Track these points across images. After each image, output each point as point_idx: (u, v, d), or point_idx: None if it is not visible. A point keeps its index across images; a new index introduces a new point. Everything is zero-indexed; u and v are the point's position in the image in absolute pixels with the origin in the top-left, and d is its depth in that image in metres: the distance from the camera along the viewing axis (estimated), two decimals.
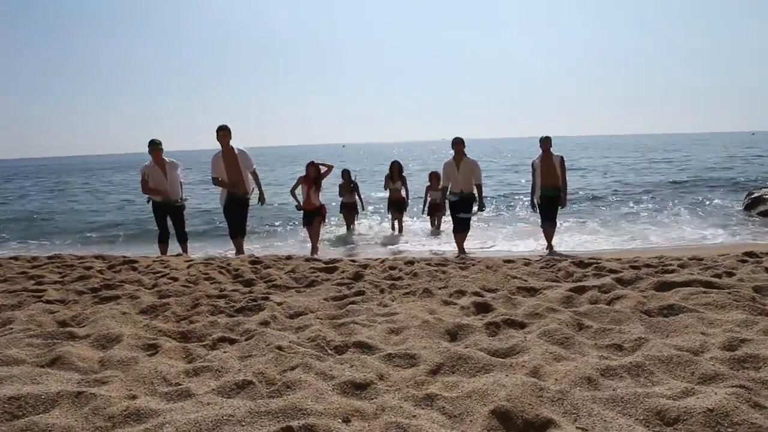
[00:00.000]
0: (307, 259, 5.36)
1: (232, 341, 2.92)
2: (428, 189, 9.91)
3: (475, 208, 7.75)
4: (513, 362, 2.41)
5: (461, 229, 7.74)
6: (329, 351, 2.68)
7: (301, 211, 8.15)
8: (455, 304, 3.51)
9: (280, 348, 2.63)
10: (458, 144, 7.68)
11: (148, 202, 7.49)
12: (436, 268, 4.70)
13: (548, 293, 3.68)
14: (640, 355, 2.42)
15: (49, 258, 5.76)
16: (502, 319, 3.06)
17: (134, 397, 2.17)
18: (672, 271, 4.27)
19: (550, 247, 7.99)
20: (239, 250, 7.29)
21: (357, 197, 10.16)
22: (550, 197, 7.80)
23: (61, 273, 4.97)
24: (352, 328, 2.98)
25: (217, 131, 7.06)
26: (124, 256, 5.65)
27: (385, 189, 9.97)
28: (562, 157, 7.86)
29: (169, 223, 7.43)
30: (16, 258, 5.82)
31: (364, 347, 2.68)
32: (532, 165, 8.00)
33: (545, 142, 7.89)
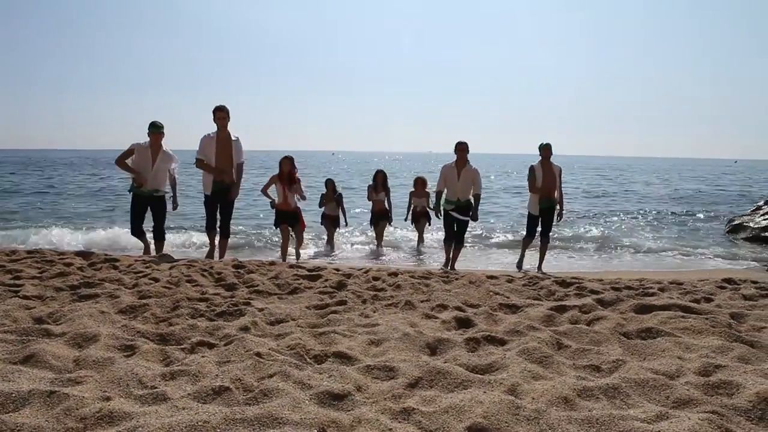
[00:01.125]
0: (291, 266, 5.34)
1: (211, 346, 2.90)
2: (412, 195, 9.26)
3: (467, 218, 7.10)
4: (491, 379, 2.42)
5: (459, 240, 7.15)
6: (308, 360, 2.67)
7: (274, 211, 7.44)
8: (437, 318, 3.52)
9: (259, 355, 2.62)
10: (462, 149, 6.98)
11: (130, 191, 6.68)
12: (419, 280, 4.71)
13: (529, 311, 3.70)
14: (617, 377, 2.44)
15: (29, 252, 5.68)
16: (483, 335, 3.08)
17: (108, 399, 2.14)
18: (652, 294, 4.33)
19: (540, 259, 7.46)
20: (212, 247, 6.70)
21: (340, 210, 9.31)
22: (546, 209, 7.27)
23: (40, 268, 4.90)
24: (332, 338, 2.97)
25: (215, 112, 6.37)
26: (106, 254, 5.59)
27: (369, 200, 9.28)
28: (560, 168, 7.38)
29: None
30: None
31: (344, 358, 2.67)
32: (531, 169, 7.32)
33: (546, 149, 7.26)
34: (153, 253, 6.60)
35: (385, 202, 9.08)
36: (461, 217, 6.99)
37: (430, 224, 9.33)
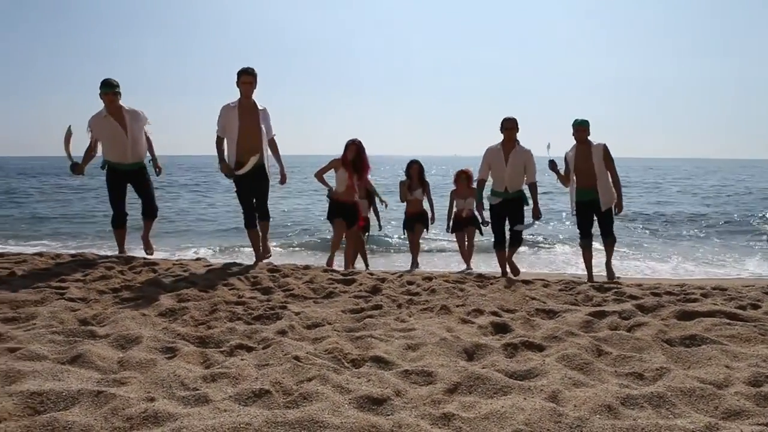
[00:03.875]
0: (325, 270, 5.37)
1: (249, 349, 2.93)
2: (454, 195, 7.05)
3: (528, 218, 5.93)
4: (531, 385, 2.39)
5: (514, 243, 5.99)
6: (346, 364, 2.68)
7: (330, 202, 6.33)
8: (473, 322, 3.49)
9: (297, 358, 2.64)
10: (510, 127, 5.73)
11: (103, 167, 5.68)
12: (453, 285, 4.68)
13: (567, 316, 3.64)
14: (662, 385, 2.38)
15: (72, 256, 5.85)
16: (521, 341, 3.04)
17: (152, 400, 2.19)
18: (694, 300, 4.20)
19: (610, 272, 5.95)
20: (255, 245, 5.75)
21: (373, 211, 7.14)
22: (587, 202, 5.78)
23: (84, 272, 5.04)
24: (369, 342, 2.97)
25: (239, 74, 5.26)
26: (145, 258, 5.72)
27: (402, 200, 7.17)
28: (605, 146, 5.71)
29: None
30: (40, 254, 5.92)
31: (381, 362, 2.67)
32: (565, 159, 5.90)
33: (580, 127, 5.72)
34: (128, 252, 6.04)
35: (424, 201, 7.13)
36: (524, 226, 5.89)
37: (482, 233, 7.07)
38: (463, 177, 6.96)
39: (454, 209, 7.06)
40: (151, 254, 6.17)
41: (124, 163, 5.56)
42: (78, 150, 5.61)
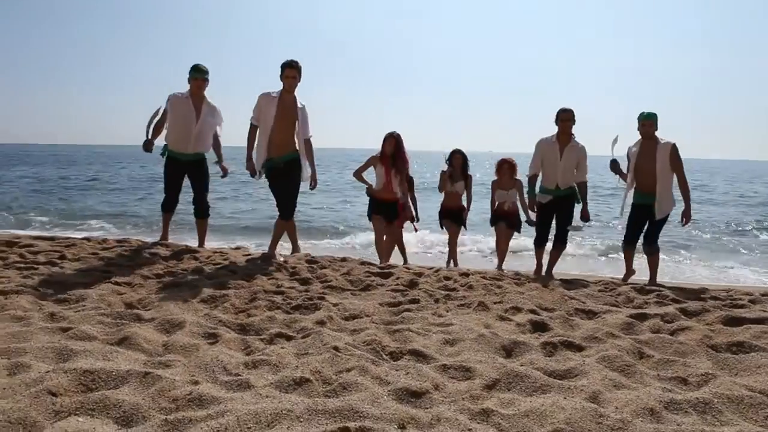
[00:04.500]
0: (362, 263, 5.40)
1: (288, 338, 2.99)
2: (495, 186, 6.48)
3: (577, 220, 5.56)
4: (571, 385, 2.36)
5: (561, 240, 5.66)
6: (384, 356, 2.70)
7: (370, 199, 6.22)
8: (511, 320, 3.46)
9: (336, 348, 2.67)
10: (567, 119, 5.35)
11: (162, 155, 5.59)
12: (491, 281, 4.65)
13: (607, 317, 3.58)
14: (707, 391, 2.32)
15: (118, 242, 6.05)
16: (560, 340, 3.00)
17: (197, 383, 2.25)
18: (742, 306, 4.07)
19: (651, 273, 5.42)
20: (292, 239, 5.66)
21: (411, 201, 6.45)
22: (644, 206, 5.25)
23: (129, 257, 5.21)
24: (407, 336, 2.99)
25: (283, 67, 5.08)
26: (187, 245, 5.86)
27: (441, 191, 6.65)
28: (673, 145, 5.11)
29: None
30: (88, 239, 6.14)
31: (419, 355, 2.68)
32: (627, 155, 5.38)
33: (646, 121, 5.17)
34: (167, 239, 5.96)
35: (463, 195, 6.64)
36: (571, 227, 5.54)
37: (519, 231, 6.49)
38: (505, 167, 6.37)
39: (497, 202, 6.48)
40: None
41: (184, 153, 5.48)
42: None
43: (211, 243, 6.81)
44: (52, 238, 6.14)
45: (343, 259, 5.56)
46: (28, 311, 3.24)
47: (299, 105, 5.22)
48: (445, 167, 6.66)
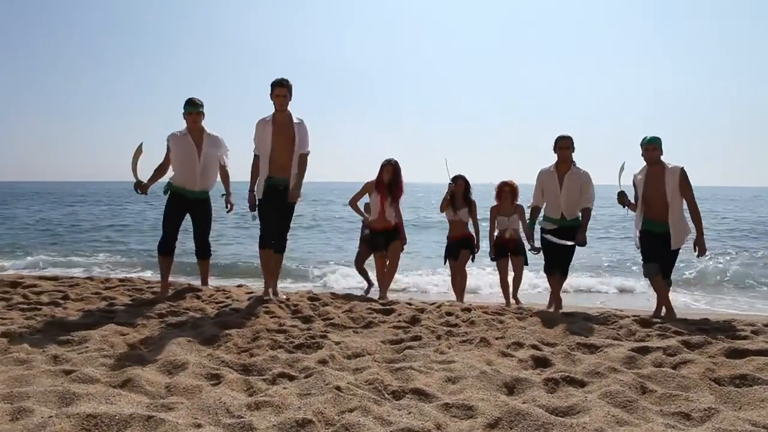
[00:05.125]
0: (364, 299, 5.41)
1: (291, 377, 2.99)
2: (495, 211, 6.17)
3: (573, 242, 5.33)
4: (573, 422, 2.35)
5: (562, 271, 5.51)
6: (387, 395, 2.70)
7: (367, 231, 6.19)
8: (513, 356, 3.47)
9: (338, 388, 2.67)
10: (565, 146, 5.22)
11: (165, 193, 5.35)
12: (493, 316, 4.65)
13: (609, 351, 3.57)
14: (710, 426, 2.32)
15: (121, 280, 6.08)
16: (562, 376, 3.00)
17: (199, 426, 2.26)
18: (744, 338, 4.06)
19: (666, 308, 5.13)
20: (266, 271, 5.32)
21: (471, 221, 6.32)
22: (656, 234, 4.97)
23: (131, 296, 5.23)
24: (409, 374, 2.99)
25: (272, 86, 4.94)
26: (189, 284, 5.88)
27: (442, 210, 6.37)
28: (682, 170, 4.88)
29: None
30: (91, 278, 6.18)
31: (421, 394, 2.68)
32: (634, 183, 5.18)
33: (649, 146, 4.95)
34: (169, 285, 5.50)
35: (468, 223, 6.30)
36: (561, 242, 5.25)
37: (527, 263, 6.21)
38: (506, 190, 6.02)
39: (497, 230, 6.16)
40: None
41: (190, 190, 5.23)
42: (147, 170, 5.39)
43: (213, 281, 6.82)
44: (55, 278, 6.18)
45: (346, 296, 5.57)
46: (31, 354, 3.26)
47: (296, 120, 5.08)
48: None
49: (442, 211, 6.37)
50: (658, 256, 5.00)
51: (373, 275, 6.73)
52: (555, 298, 5.62)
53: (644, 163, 5.09)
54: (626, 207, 5.27)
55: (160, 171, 5.35)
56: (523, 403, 2.60)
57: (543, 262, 5.70)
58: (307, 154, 5.16)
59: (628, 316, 4.94)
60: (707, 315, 5.06)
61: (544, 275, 5.81)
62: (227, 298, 5.25)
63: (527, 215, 5.81)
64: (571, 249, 5.39)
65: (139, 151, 5.25)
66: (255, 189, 5.15)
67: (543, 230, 5.44)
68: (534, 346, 3.70)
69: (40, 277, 6.29)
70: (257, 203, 5.16)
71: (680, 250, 5.09)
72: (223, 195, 5.57)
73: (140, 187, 5.22)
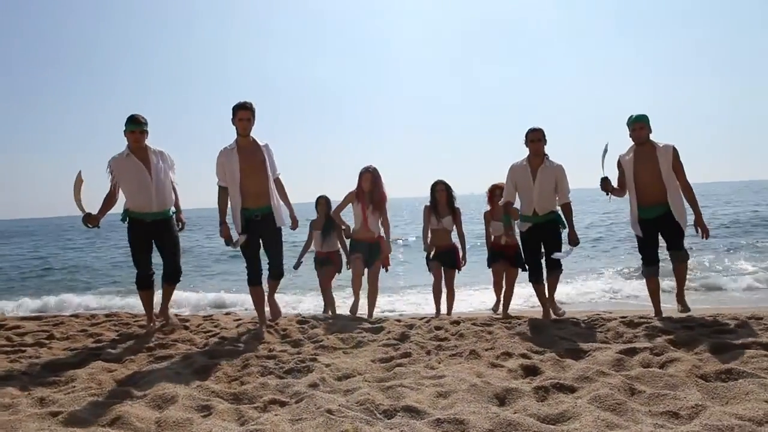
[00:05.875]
0: (353, 319, 5.40)
1: (282, 404, 2.98)
2: (489, 216, 5.90)
3: (565, 246, 5.12)
4: (563, 429, 2.38)
5: (554, 265, 5.15)
6: (378, 415, 2.70)
7: (349, 241, 5.91)
8: (503, 366, 3.49)
9: (329, 411, 2.67)
10: (536, 138, 4.96)
11: (123, 221, 4.94)
12: (481, 328, 4.67)
13: (598, 355, 3.61)
14: (698, 424, 2.35)
15: (107, 316, 6.01)
16: (551, 383, 3.02)
17: None
18: (729, 332, 4.13)
19: (681, 298, 5.00)
20: (260, 306, 5.09)
21: (339, 243, 6.17)
22: (651, 221, 4.76)
23: (118, 331, 5.17)
24: (400, 392, 2.99)
25: (235, 110, 4.68)
26: (177, 315, 5.84)
27: (426, 229, 6.00)
28: (674, 148, 4.66)
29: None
30: (76, 316, 6.11)
31: (413, 411, 2.69)
32: (619, 164, 4.94)
33: (637, 124, 4.69)
34: (156, 317, 5.30)
35: (452, 232, 6.03)
36: (558, 255, 5.05)
37: (524, 269, 5.55)
38: (498, 193, 5.65)
39: (492, 235, 5.87)
40: (172, 326, 5.20)
41: (148, 213, 4.82)
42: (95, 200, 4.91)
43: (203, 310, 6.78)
44: (39, 318, 6.09)
45: (335, 317, 5.56)
46: (17, 398, 3.21)
47: (261, 144, 4.86)
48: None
49: (426, 229, 6.01)
50: (656, 254, 4.86)
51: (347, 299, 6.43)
52: (552, 308, 5.33)
53: (630, 143, 4.84)
54: (609, 193, 5.04)
55: (109, 200, 4.86)
56: (514, 413, 2.61)
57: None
58: (279, 178, 5.02)
59: (615, 319, 5.00)
60: (691, 311, 5.09)
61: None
62: (215, 327, 5.22)
63: (488, 217, 5.83)
64: (559, 248, 5.13)
65: (79, 181, 4.70)
66: (227, 221, 4.86)
67: (521, 234, 5.22)
68: (523, 355, 3.72)
69: (24, 318, 6.20)
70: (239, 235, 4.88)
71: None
72: (173, 213, 5.09)
73: (89, 220, 4.70)
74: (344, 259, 6.15)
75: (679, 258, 4.83)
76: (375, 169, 5.72)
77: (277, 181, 4.98)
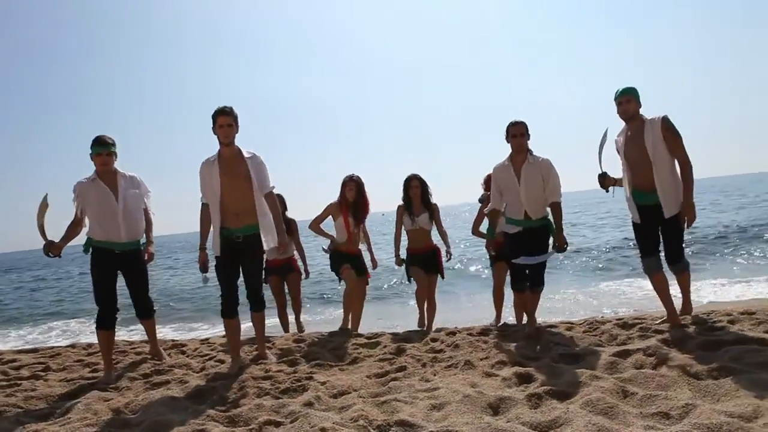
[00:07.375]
0: (350, 335, 5.40)
1: (277, 424, 2.98)
2: (485, 210, 5.15)
3: (551, 248, 4.59)
4: None
5: (533, 284, 4.61)
6: (372, 430, 2.71)
7: (331, 254, 5.55)
8: (497, 375, 3.50)
9: (323, 430, 2.68)
10: (518, 133, 4.42)
11: (86, 251, 4.45)
12: (477, 338, 4.68)
13: (591, 359, 3.63)
14: (688, 423, 2.37)
15: None
16: (544, 390, 3.04)
17: None
18: (721, 329, 4.15)
19: (687, 308, 4.62)
20: (235, 343, 4.41)
21: (298, 252, 5.96)
22: (646, 209, 4.19)
23: (114, 360, 5.15)
24: (394, 406, 3.00)
25: (215, 117, 4.10)
26: (173, 340, 5.83)
27: (398, 232, 5.53)
28: (664, 118, 4.02)
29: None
30: (72, 346, 6.08)
31: (406, 425, 2.69)
32: (617, 148, 4.35)
33: (624, 98, 4.15)
34: (149, 355, 5.03)
35: (430, 231, 5.50)
36: (535, 260, 4.51)
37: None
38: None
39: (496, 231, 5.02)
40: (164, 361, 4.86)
41: (115, 242, 4.37)
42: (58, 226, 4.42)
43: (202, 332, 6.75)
44: (35, 350, 6.06)
45: (331, 333, 5.56)
46: None
47: (246, 155, 4.22)
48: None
49: (398, 232, 5.57)
50: (655, 245, 4.28)
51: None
52: (528, 318, 4.83)
53: (623, 124, 4.31)
54: (611, 189, 4.47)
55: (74, 228, 4.39)
56: (507, 422, 2.63)
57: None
58: (271, 192, 4.34)
59: (609, 321, 5.02)
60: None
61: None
62: (212, 350, 5.21)
63: (486, 222, 5.08)
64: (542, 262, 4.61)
65: (44, 205, 4.32)
66: (207, 245, 4.35)
67: (507, 237, 4.66)
68: (518, 363, 3.74)
69: (20, 351, 6.17)
70: (216, 260, 4.28)
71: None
72: (143, 244, 4.67)
73: (51, 249, 4.23)
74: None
75: (675, 269, 4.43)
76: (359, 178, 5.42)
77: (269, 196, 4.31)
